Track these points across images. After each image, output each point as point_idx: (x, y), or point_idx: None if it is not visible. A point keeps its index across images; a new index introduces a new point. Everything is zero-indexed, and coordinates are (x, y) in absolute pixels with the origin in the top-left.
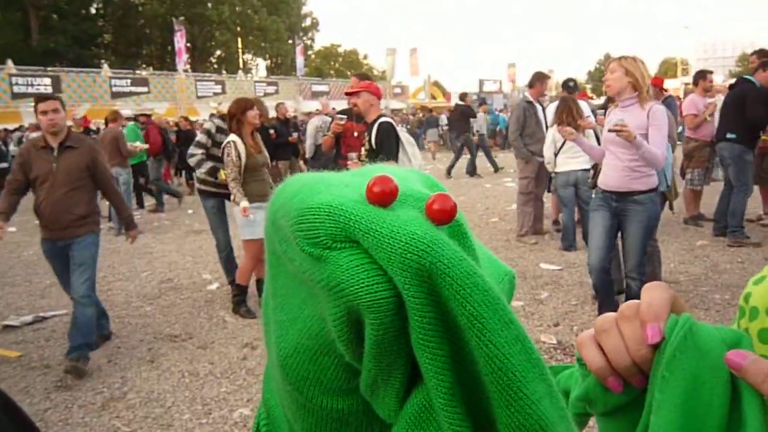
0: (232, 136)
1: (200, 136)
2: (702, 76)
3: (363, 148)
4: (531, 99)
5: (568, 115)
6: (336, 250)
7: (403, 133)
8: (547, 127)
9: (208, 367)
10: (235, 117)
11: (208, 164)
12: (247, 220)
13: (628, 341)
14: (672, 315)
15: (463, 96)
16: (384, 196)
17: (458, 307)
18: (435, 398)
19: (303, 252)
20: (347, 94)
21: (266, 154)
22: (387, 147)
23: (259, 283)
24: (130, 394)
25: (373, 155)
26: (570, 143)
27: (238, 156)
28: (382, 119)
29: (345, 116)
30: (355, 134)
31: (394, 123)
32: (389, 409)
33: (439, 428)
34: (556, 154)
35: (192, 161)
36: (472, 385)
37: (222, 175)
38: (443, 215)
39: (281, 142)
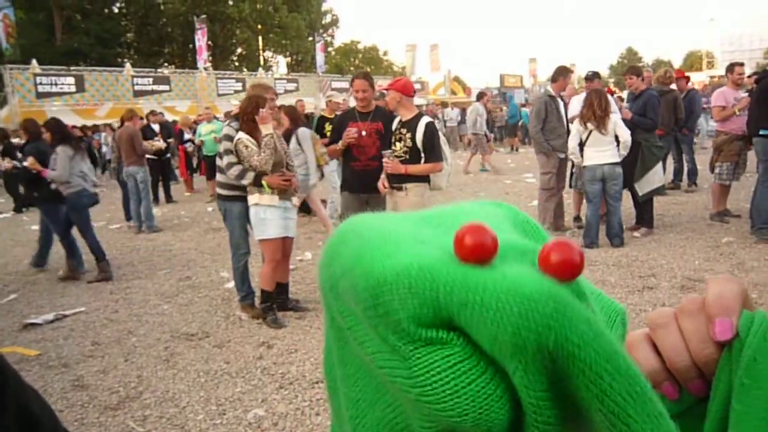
0: (240, 134)
1: (225, 144)
2: (731, 68)
3: (400, 144)
4: (553, 93)
5: (588, 109)
6: (423, 345)
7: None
8: (568, 123)
9: (223, 366)
10: (247, 116)
11: (247, 173)
12: (260, 219)
13: (690, 338)
14: (745, 311)
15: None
16: (481, 250)
17: (594, 401)
18: None
19: (382, 340)
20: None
21: (283, 153)
22: (437, 148)
23: (278, 286)
24: (145, 393)
25: (414, 154)
26: (595, 135)
27: (256, 144)
28: (427, 119)
29: (354, 128)
30: (363, 133)
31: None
32: None
33: None
34: (581, 146)
35: (233, 173)
36: None
37: (249, 177)
38: (565, 270)
39: None
